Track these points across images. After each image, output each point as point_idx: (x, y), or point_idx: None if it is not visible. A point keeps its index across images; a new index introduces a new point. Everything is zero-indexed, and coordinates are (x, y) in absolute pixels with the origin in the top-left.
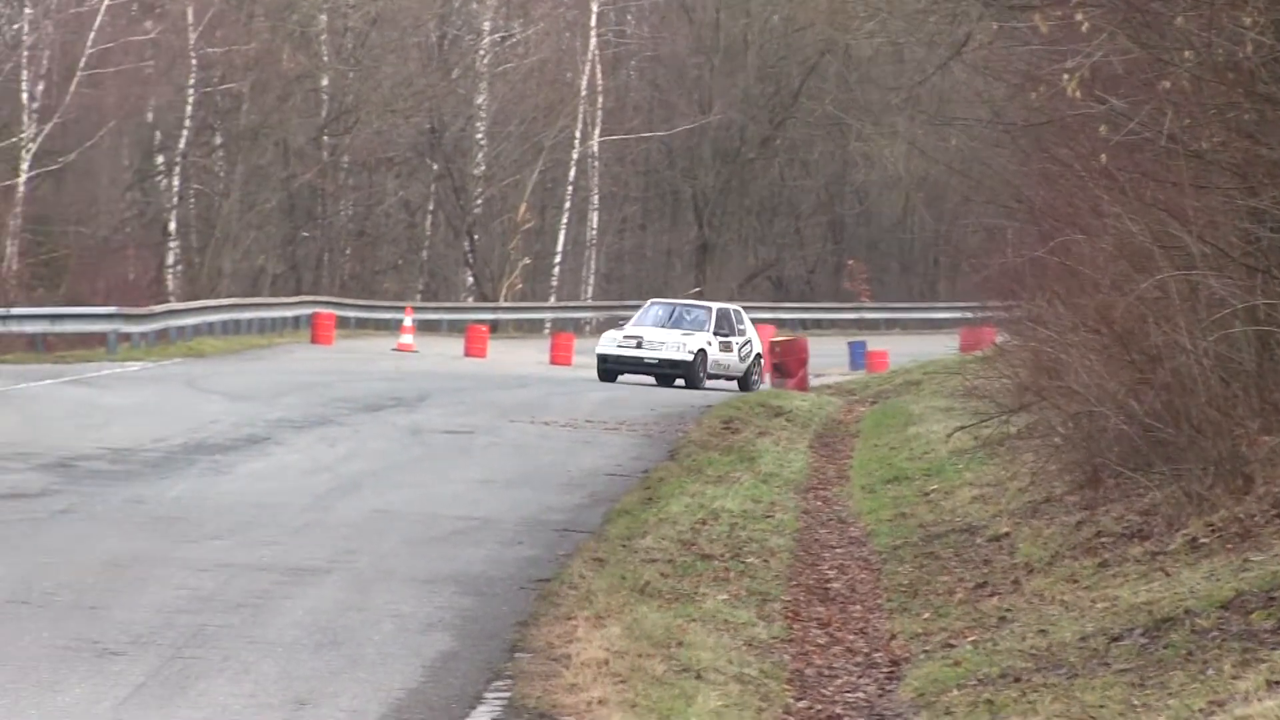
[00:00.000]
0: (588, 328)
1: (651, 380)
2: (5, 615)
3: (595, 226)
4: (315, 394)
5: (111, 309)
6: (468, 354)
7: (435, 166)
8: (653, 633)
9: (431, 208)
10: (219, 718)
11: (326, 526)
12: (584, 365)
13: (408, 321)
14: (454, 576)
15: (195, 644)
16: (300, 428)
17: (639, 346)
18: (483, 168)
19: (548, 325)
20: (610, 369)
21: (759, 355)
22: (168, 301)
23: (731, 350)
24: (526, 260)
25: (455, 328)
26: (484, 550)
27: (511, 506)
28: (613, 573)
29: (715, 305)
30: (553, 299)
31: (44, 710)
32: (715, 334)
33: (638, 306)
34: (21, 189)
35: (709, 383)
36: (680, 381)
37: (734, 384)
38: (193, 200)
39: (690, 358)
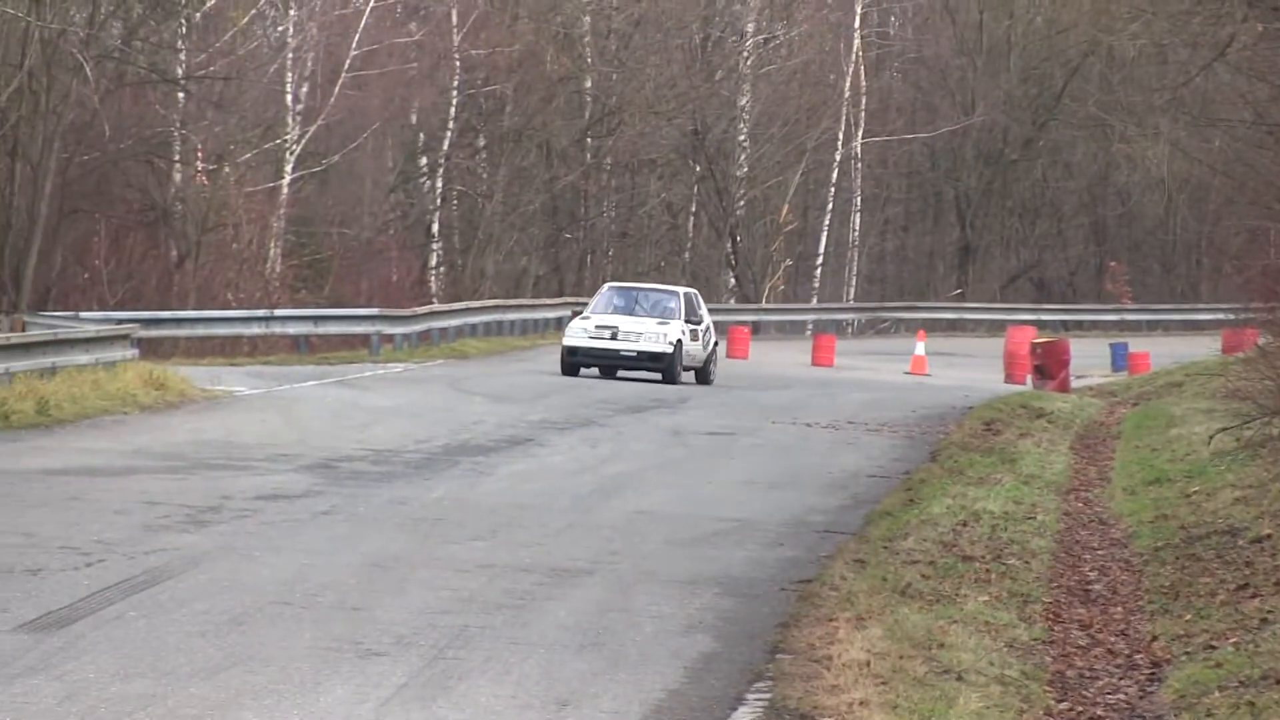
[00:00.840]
0: (849, 329)
1: (613, 374)
2: (269, 616)
3: (857, 228)
4: (577, 395)
5: (374, 310)
6: (730, 355)
7: (698, 168)
8: (914, 634)
9: (694, 209)
10: (481, 718)
11: (588, 527)
12: (846, 366)
13: None
14: (715, 578)
15: (457, 645)
16: (562, 429)
17: (614, 338)
18: (745, 169)
19: (810, 326)
20: (580, 362)
21: (716, 343)
22: (430, 303)
23: (698, 339)
24: (789, 262)
25: (717, 329)
26: (745, 551)
27: (773, 508)
28: (874, 574)
29: (680, 289)
30: (815, 300)
31: (306, 711)
32: (687, 322)
33: (900, 308)
34: (285, 191)
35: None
36: (657, 376)
37: (691, 375)
38: (455, 202)
39: (671, 349)
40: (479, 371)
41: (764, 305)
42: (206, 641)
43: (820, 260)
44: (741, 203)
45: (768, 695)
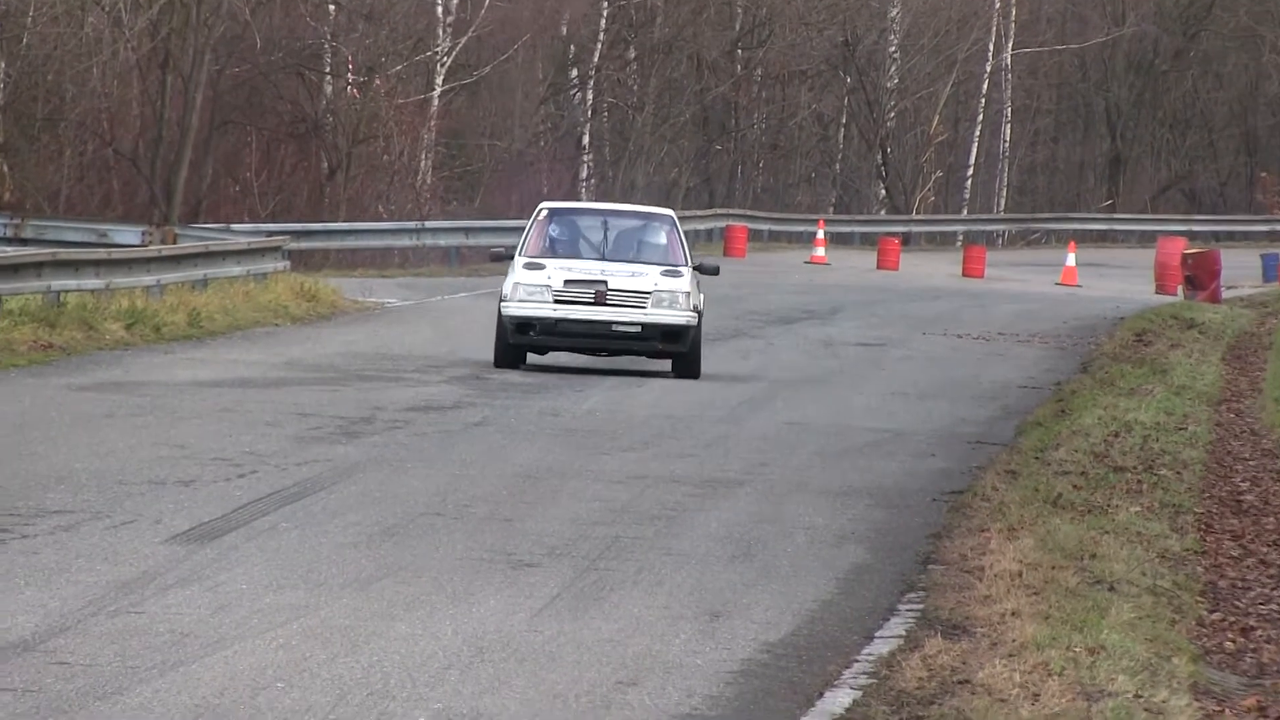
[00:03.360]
0: (1000, 240)
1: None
2: (421, 528)
3: (1007, 139)
4: (728, 307)
5: (524, 222)
6: (880, 266)
7: (848, 79)
8: (1066, 545)
9: (844, 121)
10: (633, 629)
11: (739, 439)
12: (996, 278)
13: (820, 234)
14: (867, 489)
15: (609, 556)
16: (712, 340)
17: (600, 301)
18: (896, 81)
19: (960, 238)
20: (535, 344)
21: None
22: None
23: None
24: (939, 173)
25: (867, 240)
26: (896, 462)
27: (924, 419)
28: (1025, 485)
29: (665, 211)
30: (965, 212)
31: (459, 621)
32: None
33: (1051, 219)
34: (436, 103)
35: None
36: (665, 362)
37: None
38: (606, 114)
39: (694, 318)
40: None
41: (914, 216)
42: (359, 552)
43: (970, 172)
44: (892, 114)
45: (919, 606)
